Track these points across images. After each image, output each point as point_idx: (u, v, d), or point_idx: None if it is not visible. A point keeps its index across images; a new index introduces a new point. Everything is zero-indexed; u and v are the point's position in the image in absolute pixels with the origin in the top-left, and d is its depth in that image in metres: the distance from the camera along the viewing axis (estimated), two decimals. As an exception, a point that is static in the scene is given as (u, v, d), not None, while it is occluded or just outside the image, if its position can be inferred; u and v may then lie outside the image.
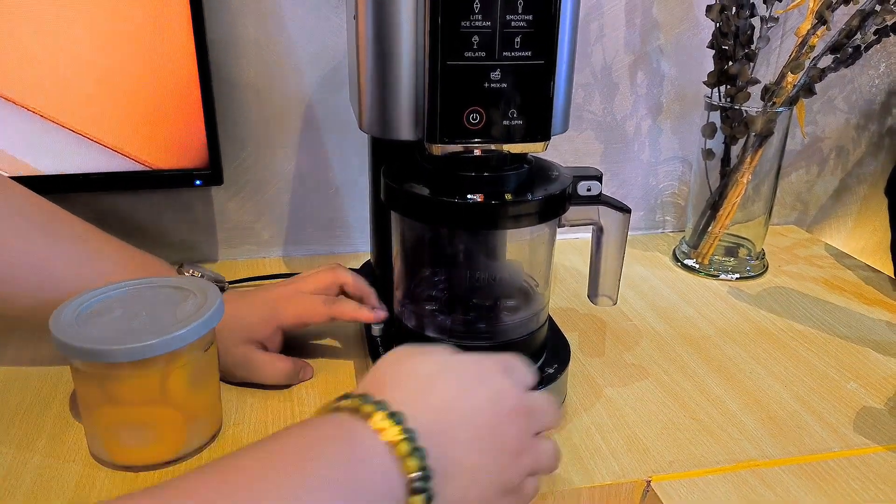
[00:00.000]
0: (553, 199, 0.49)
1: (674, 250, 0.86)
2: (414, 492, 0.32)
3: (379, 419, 0.33)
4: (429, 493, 0.33)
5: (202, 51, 0.65)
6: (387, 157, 0.59)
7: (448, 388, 0.37)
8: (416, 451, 0.33)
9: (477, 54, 0.45)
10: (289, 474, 0.30)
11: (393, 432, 0.33)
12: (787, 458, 0.51)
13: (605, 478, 0.49)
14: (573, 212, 0.53)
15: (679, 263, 0.83)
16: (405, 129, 0.49)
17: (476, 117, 0.46)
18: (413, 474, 0.32)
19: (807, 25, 0.72)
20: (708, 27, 0.83)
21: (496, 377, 0.39)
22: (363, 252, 0.85)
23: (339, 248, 0.85)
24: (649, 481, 0.49)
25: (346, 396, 0.35)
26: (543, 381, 0.53)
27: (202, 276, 0.64)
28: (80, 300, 0.49)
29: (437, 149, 0.47)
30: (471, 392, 0.37)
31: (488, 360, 0.40)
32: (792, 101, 0.75)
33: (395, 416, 0.33)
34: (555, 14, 0.45)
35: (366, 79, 0.48)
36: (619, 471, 0.49)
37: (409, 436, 0.33)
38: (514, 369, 0.40)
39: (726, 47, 0.74)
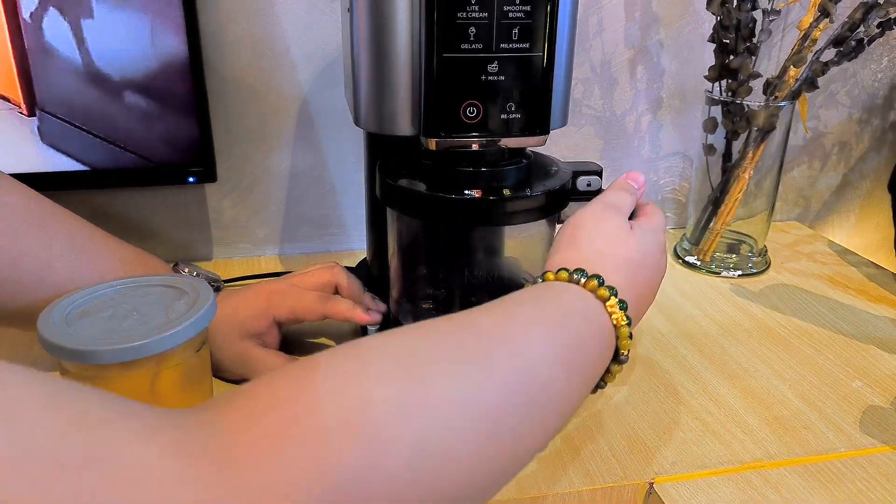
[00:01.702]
0: (552, 194, 0.48)
1: (675, 247, 0.84)
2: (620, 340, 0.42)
3: (612, 304, 0.40)
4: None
5: (195, 46, 0.64)
6: (383, 153, 0.58)
7: (647, 277, 0.46)
8: (629, 323, 0.41)
9: (474, 46, 0.44)
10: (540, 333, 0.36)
11: (619, 317, 0.40)
12: (792, 459, 0.50)
13: (607, 480, 0.48)
14: (573, 208, 0.52)
15: (680, 260, 0.82)
16: (401, 124, 0.48)
17: (473, 111, 0.45)
18: (624, 342, 0.41)
19: (809, 18, 0.71)
20: (709, 21, 0.82)
21: (664, 258, 0.49)
22: (359, 250, 0.84)
23: (334, 246, 0.84)
24: (652, 483, 0.48)
25: (580, 273, 0.41)
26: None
27: (197, 275, 0.63)
28: (69, 300, 0.48)
29: (434, 143, 0.46)
30: (657, 277, 0.47)
31: (661, 244, 0.48)
32: (794, 96, 0.74)
33: (622, 304, 0.41)
34: (553, 4, 0.44)
35: (361, 73, 0.47)
36: (620, 472, 0.48)
37: (628, 320, 0.41)
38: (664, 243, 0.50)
39: (727, 41, 0.73)
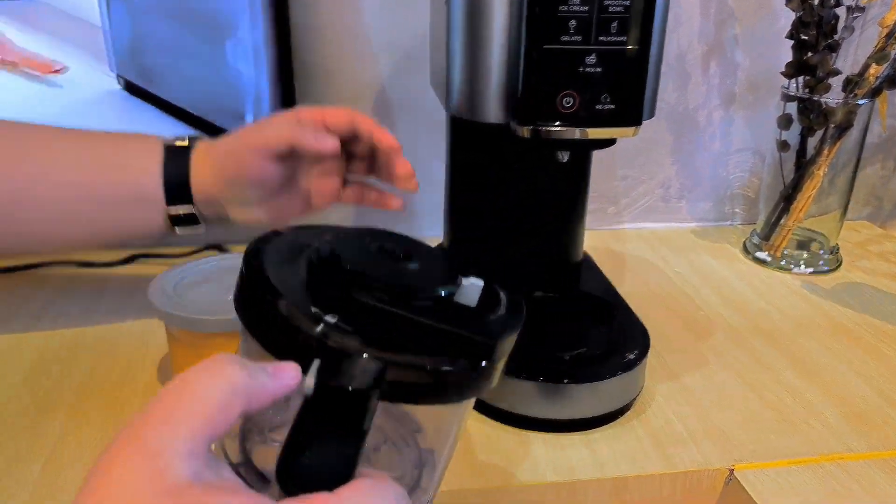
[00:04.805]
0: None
1: (744, 242, 0.84)
2: None
3: None
4: None
5: (283, 30, 0.67)
6: (467, 140, 0.59)
7: None
8: None
9: (573, 38, 0.45)
10: None
11: None
12: (872, 452, 0.50)
13: (687, 465, 0.49)
14: None
15: (750, 256, 0.82)
16: (492, 112, 0.49)
17: (570, 101, 0.46)
18: None
19: (893, 15, 0.70)
20: (784, 16, 0.81)
21: None
22: (430, 237, 0.85)
23: (404, 232, 0.86)
24: (732, 469, 0.48)
25: None
26: (623, 367, 0.52)
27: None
28: (178, 271, 0.51)
29: (527, 131, 0.48)
30: None
31: None
32: (874, 93, 0.73)
33: None
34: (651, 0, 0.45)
35: (455, 60, 0.49)
36: (700, 458, 0.49)
37: None
38: None
39: (807, 37, 0.73)
